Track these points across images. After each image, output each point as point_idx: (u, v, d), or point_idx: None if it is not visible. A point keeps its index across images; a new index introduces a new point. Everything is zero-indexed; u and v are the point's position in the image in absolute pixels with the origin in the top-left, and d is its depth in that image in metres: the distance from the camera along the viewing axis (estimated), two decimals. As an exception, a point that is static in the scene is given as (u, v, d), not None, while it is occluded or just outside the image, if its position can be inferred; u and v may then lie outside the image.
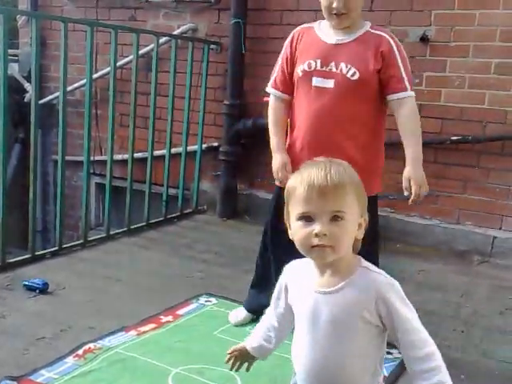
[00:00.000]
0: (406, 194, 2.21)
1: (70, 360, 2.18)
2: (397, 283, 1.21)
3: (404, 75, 2.19)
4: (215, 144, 4.44)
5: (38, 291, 2.76)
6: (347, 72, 2.18)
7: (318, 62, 2.21)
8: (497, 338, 2.59)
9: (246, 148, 4.30)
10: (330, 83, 2.19)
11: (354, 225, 1.19)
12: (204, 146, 4.40)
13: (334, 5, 2.16)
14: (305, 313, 1.24)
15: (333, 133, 2.22)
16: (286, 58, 2.34)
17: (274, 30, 4.06)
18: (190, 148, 4.31)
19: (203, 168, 4.42)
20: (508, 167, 3.58)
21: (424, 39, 3.70)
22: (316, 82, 2.21)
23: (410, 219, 3.84)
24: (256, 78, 4.09)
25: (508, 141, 3.57)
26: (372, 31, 2.24)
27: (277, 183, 2.38)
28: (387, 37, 2.21)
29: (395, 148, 3.79)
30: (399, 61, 2.19)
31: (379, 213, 4.07)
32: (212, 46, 4.34)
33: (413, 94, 2.21)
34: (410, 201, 2.19)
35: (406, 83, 2.20)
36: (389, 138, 3.80)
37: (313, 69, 2.22)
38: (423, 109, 3.76)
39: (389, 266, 3.38)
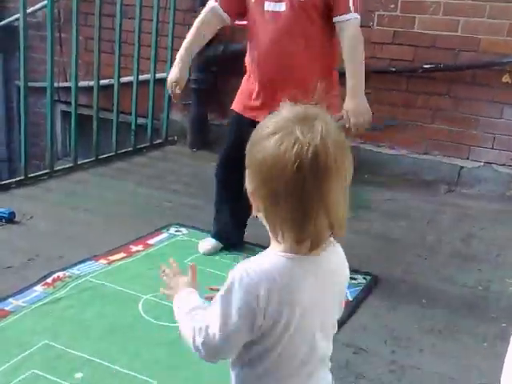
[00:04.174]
0: (347, 125, 2.18)
1: (39, 288, 2.19)
2: None
3: None
4: (185, 71, 4.31)
5: (4, 220, 2.73)
6: None
7: None
8: (459, 265, 2.68)
9: (216, 76, 4.19)
10: (281, 6, 2.19)
11: None
12: (173, 73, 4.27)
13: None
14: None
15: (287, 55, 2.21)
16: None
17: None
18: (159, 75, 4.18)
19: (173, 96, 4.31)
20: (478, 96, 3.58)
21: (400, -37, 3.59)
22: (268, 6, 2.21)
23: (379, 149, 3.85)
24: None
25: (479, 69, 3.55)
26: None
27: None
28: None
29: (365, 77, 3.80)
30: None
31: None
32: (180, -34, 4.13)
33: (356, 16, 2.19)
34: (352, 134, 2.19)
35: (350, 5, 2.17)
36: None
37: None
38: (397, 36, 3.71)
39: (356, 196, 3.46)
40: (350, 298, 2.27)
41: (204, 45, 2.43)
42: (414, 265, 2.65)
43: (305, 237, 0.86)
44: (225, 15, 2.34)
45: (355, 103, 2.19)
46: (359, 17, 2.20)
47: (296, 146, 0.83)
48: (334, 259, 0.96)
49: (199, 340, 0.94)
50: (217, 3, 2.34)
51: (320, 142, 0.84)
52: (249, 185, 0.91)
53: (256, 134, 0.89)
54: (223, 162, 2.50)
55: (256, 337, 0.91)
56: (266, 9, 2.21)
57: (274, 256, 0.91)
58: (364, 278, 2.44)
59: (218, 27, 2.39)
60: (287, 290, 0.88)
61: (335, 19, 2.20)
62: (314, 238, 0.87)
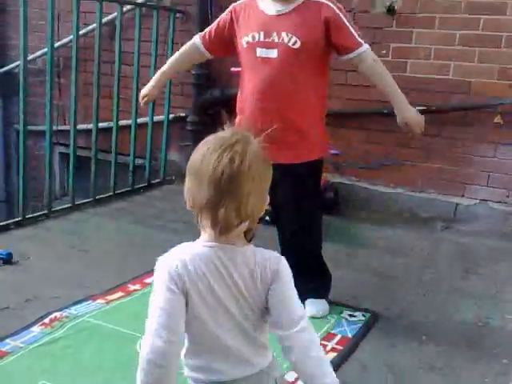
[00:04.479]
0: (410, 135, 2.48)
1: (37, 329, 2.17)
2: None
3: (353, 32, 2.27)
4: (182, 114, 4.40)
5: (1, 262, 2.73)
6: (288, 41, 2.23)
7: (262, 33, 2.26)
8: (457, 301, 2.68)
9: (213, 118, 4.27)
10: (273, 53, 2.25)
11: None
12: (171, 116, 4.35)
13: None
14: None
15: (276, 100, 2.26)
16: (224, 22, 2.40)
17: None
18: (157, 118, 4.26)
19: (171, 138, 4.38)
20: (470, 137, 3.65)
21: (390, 10, 3.71)
22: (260, 52, 2.27)
23: (375, 187, 3.90)
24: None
25: (471, 111, 3.63)
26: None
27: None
28: (326, 2, 2.25)
29: (360, 119, 3.89)
30: (345, 21, 2.26)
31: (345, 182, 4.12)
32: (178, 15, 4.27)
33: (367, 45, 2.30)
34: (418, 136, 2.51)
35: (358, 39, 2.28)
36: (354, 108, 3.91)
37: (256, 40, 2.27)
38: (389, 79, 3.79)
39: (353, 233, 3.51)
40: (350, 335, 2.26)
41: (181, 71, 2.65)
42: (413, 302, 2.64)
43: (217, 221, 1.10)
44: (206, 53, 2.48)
45: (410, 114, 2.34)
46: (367, 45, 2.30)
47: (219, 151, 1.08)
48: (241, 257, 1.15)
49: (155, 328, 1.09)
50: (200, 41, 2.46)
51: (240, 151, 1.08)
52: (186, 184, 1.15)
53: (198, 146, 1.15)
54: None
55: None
56: (258, 55, 2.27)
57: (194, 244, 1.17)
58: (363, 316, 2.43)
59: (199, 61, 2.63)
60: (197, 270, 1.13)
61: (350, 56, 2.28)
62: (224, 224, 1.09)
